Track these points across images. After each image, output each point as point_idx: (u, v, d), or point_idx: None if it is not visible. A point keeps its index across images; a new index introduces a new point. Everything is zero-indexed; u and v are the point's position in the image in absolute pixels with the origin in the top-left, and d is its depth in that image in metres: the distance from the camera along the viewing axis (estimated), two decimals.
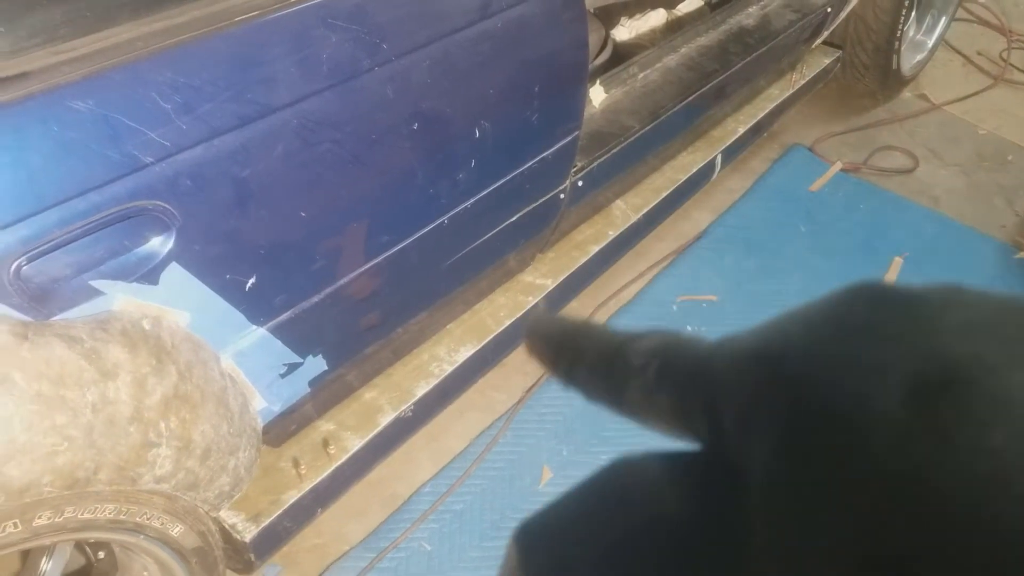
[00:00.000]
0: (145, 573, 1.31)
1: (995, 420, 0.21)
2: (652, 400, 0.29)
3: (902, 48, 3.30)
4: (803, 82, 3.01)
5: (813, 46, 3.05)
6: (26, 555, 1.36)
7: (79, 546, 1.37)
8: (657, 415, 0.29)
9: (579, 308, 2.47)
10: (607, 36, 2.47)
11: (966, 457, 0.20)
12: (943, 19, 3.64)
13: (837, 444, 0.22)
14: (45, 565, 1.35)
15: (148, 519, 1.16)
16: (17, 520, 1.00)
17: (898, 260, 2.79)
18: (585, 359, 0.33)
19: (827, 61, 3.17)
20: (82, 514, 1.07)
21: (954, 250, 2.90)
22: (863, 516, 0.21)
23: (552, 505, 0.29)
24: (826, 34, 3.01)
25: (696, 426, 0.28)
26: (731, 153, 2.74)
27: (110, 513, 1.10)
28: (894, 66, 3.32)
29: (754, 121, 2.79)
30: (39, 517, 1.02)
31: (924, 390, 0.22)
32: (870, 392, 0.22)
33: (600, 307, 2.53)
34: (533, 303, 2.01)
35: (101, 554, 1.38)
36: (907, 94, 3.68)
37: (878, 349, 0.23)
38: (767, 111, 2.84)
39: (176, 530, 1.22)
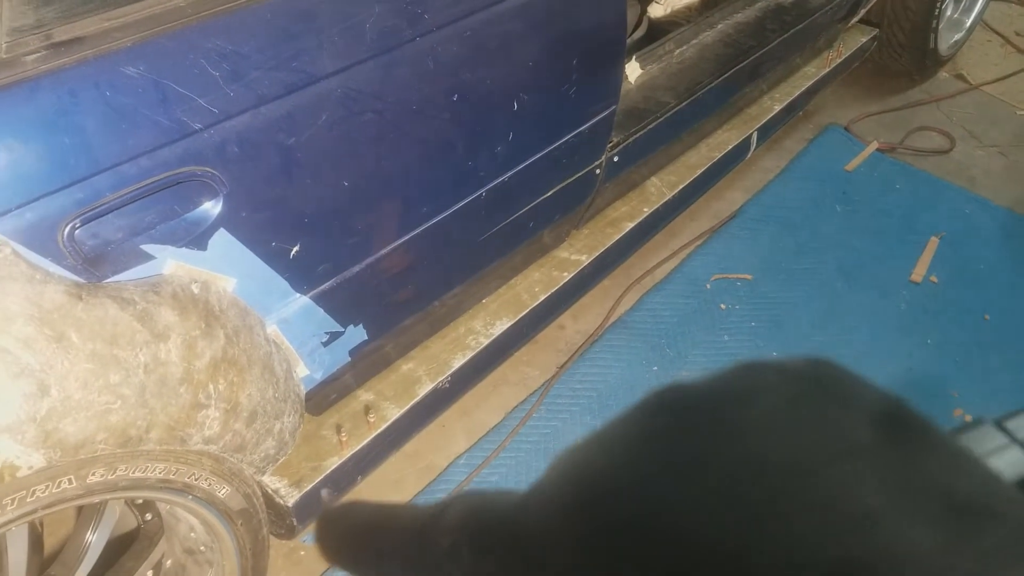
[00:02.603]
0: (192, 534, 1.33)
1: (817, 522, 0.21)
2: None
3: (940, 27, 3.27)
4: (839, 60, 2.99)
5: (850, 24, 3.03)
6: (79, 513, 1.40)
7: (128, 506, 1.40)
8: None
9: (602, 293, 2.48)
10: (643, 12, 2.46)
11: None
12: None
13: None
14: (91, 535, 1.38)
15: (196, 480, 1.19)
16: (72, 476, 1.03)
17: (934, 240, 2.77)
18: (392, 555, 0.29)
19: (864, 39, 3.14)
20: (133, 472, 1.09)
21: (991, 231, 2.88)
22: None
23: None
24: (863, 12, 2.99)
25: None
26: (767, 131, 2.73)
27: (160, 472, 1.13)
28: (931, 45, 3.29)
29: (790, 99, 2.77)
30: (92, 474, 1.05)
31: (745, 504, 0.21)
32: (694, 524, 0.22)
33: (633, 285, 2.53)
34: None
35: (149, 516, 1.41)
36: (944, 74, 3.64)
37: (688, 469, 0.23)
38: (803, 89, 2.82)
39: (223, 492, 1.24)
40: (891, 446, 0.23)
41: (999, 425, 0.31)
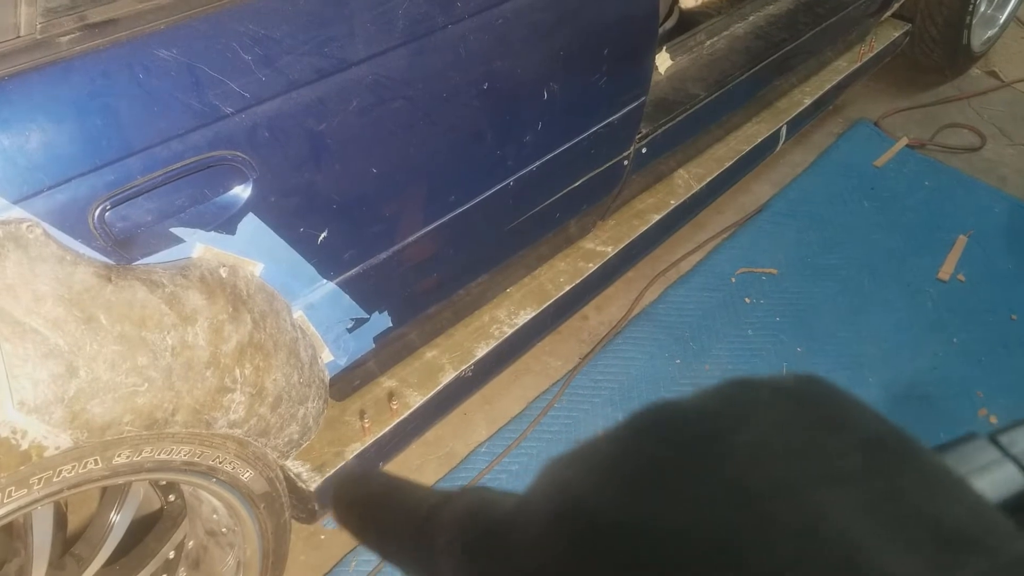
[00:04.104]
0: (214, 516, 1.34)
1: (803, 551, 0.20)
2: None
3: (973, 23, 3.23)
4: (871, 55, 2.95)
5: (883, 18, 3.00)
6: (103, 493, 1.40)
7: (152, 487, 1.41)
8: None
9: (626, 285, 2.47)
10: (674, 2, 2.44)
11: None
12: None
13: None
14: (115, 515, 1.39)
15: (220, 463, 1.19)
16: (98, 457, 1.03)
17: (962, 238, 2.74)
18: (392, 535, 0.30)
19: (896, 34, 3.10)
20: (158, 455, 1.10)
21: (1020, 230, 2.84)
22: None
23: None
24: (896, 6, 2.96)
25: None
26: (796, 125, 2.70)
27: (185, 455, 1.13)
28: (964, 41, 3.25)
29: (820, 93, 2.74)
30: (118, 455, 1.05)
31: (730, 529, 0.21)
32: (677, 548, 0.21)
33: (658, 277, 2.52)
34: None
35: (172, 497, 1.42)
36: (976, 71, 3.59)
37: (675, 491, 0.22)
38: (834, 83, 2.79)
39: (246, 475, 1.24)
40: (880, 472, 0.23)
41: (992, 440, 0.30)
